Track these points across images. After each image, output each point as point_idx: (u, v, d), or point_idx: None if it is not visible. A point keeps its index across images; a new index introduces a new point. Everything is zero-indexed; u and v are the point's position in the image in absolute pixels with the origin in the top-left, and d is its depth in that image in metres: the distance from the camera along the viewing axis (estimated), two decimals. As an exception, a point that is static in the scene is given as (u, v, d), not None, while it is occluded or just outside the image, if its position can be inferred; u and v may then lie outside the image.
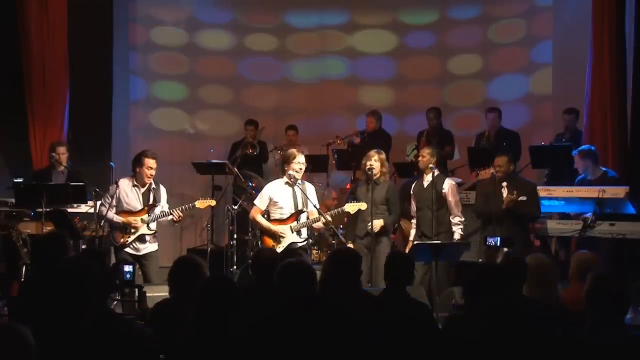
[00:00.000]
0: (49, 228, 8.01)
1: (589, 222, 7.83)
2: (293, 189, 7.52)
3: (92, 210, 8.21)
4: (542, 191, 8.17)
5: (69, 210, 8.42)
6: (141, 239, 7.58)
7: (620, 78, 8.97)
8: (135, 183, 7.62)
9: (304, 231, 7.60)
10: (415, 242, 7.75)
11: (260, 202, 7.63)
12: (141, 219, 7.55)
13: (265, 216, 7.70)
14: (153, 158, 7.57)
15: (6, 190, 8.70)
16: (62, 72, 10.04)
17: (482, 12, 11.69)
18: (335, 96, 11.90)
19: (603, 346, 3.68)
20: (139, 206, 7.59)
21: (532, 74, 11.37)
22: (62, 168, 9.08)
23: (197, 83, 11.96)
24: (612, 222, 7.83)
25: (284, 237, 7.46)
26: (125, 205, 7.58)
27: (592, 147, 8.53)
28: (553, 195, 8.25)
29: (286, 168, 7.51)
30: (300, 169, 7.48)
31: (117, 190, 7.55)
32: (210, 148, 11.06)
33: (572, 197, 8.17)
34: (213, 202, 8.06)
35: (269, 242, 7.52)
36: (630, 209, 7.87)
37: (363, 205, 7.56)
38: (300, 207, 7.51)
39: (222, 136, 11.72)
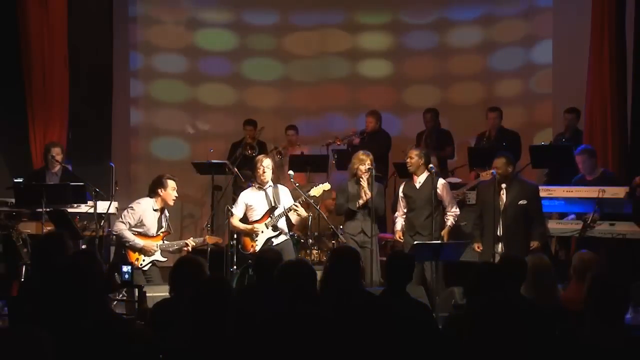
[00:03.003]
0: (49, 228, 8.02)
1: (589, 222, 7.83)
2: (265, 192, 7.83)
3: (92, 210, 8.20)
4: (542, 191, 8.15)
5: (69, 210, 8.41)
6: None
7: (621, 78, 8.96)
8: (156, 207, 7.57)
9: (283, 226, 7.83)
10: (416, 242, 7.74)
11: (236, 209, 7.95)
12: (157, 244, 7.55)
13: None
14: (174, 180, 7.60)
15: (6, 190, 8.69)
16: (62, 72, 10.03)
17: (483, 12, 11.68)
18: (335, 96, 11.89)
19: (603, 346, 3.67)
20: (154, 231, 7.57)
21: (532, 74, 11.36)
22: (56, 169, 9.03)
23: (198, 83, 11.96)
24: (612, 222, 7.84)
25: (259, 234, 7.78)
26: (144, 227, 7.53)
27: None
28: (553, 195, 8.24)
29: (255, 174, 7.86)
30: (264, 172, 7.76)
31: (141, 211, 7.51)
32: (210, 148, 11.05)
33: (572, 197, 8.17)
34: (220, 240, 8.28)
35: (248, 241, 7.89)
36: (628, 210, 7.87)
37: (327, 186, 7.91)
38: (273, 205, 7.80)
39: (222, 136, 11.70)
